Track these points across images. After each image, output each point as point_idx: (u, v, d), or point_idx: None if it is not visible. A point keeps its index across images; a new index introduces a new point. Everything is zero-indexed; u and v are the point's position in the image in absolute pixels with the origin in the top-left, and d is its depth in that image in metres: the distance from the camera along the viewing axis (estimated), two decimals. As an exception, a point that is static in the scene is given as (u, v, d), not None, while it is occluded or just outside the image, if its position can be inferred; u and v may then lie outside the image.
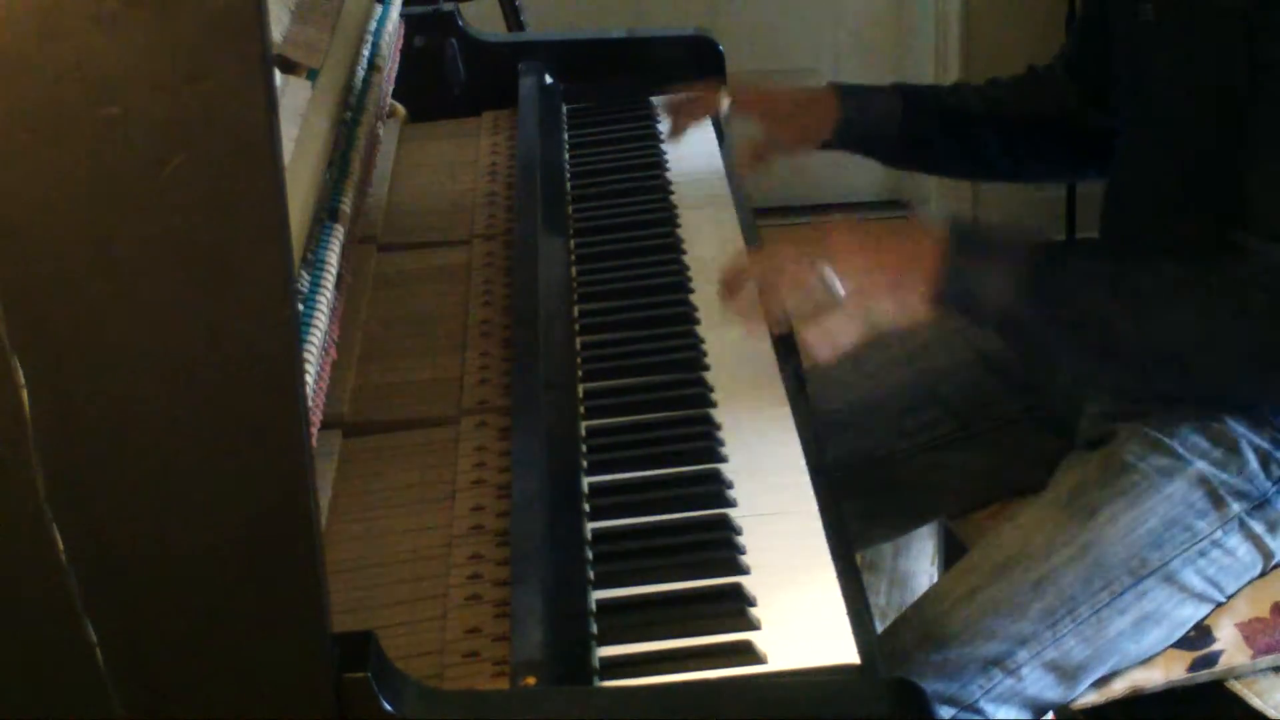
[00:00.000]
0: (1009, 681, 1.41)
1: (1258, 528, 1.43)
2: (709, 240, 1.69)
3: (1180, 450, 1.44)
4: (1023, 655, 1.40)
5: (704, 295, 1.58)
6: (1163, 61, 1.45)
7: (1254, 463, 1.43)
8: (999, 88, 1.78)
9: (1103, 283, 1.35)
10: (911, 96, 1.77)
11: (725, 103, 1.77)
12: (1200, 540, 1.42)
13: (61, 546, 0.87)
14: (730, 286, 1.40)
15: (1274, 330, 1.30)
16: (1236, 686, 1.46)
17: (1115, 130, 1.61)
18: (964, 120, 1.76)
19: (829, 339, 1.34)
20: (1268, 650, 1.45)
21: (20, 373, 0.83)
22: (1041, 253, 1.37)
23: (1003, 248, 1.36)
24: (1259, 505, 1.43)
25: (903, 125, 1.75)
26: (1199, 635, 1.45)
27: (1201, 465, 1.43)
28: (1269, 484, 1.43)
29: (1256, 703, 1.45)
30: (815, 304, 1.33)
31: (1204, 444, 1.44)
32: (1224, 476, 1.43)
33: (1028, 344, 1.44)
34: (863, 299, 1.33)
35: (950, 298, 1.33)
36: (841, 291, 1.32)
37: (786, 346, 1.49)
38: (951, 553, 1.82)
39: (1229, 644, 1.44)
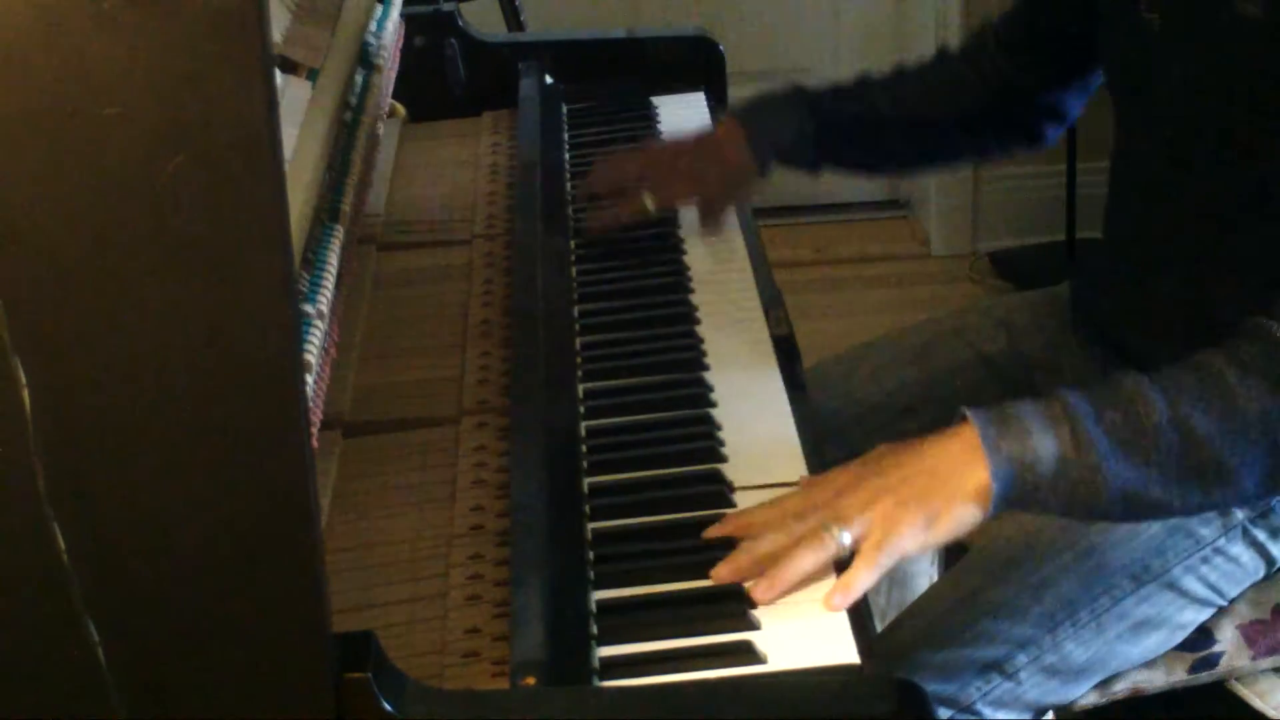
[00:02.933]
0: (1007, 684, 1.41)
1: (1261, 534, 1.43)
2: (709, 240, 1.69)
3: None
4: (1021, 659, 1.40)
5: (704, 295, 1.58)
6: (1170, 70, 1.43)
7: None
8: (909, 83, 1.71)
9: (1153, 397, 1.21)
10: (818, 103, 1.68)
11: (649, 203, 1.68)
12: (1203, 547, 1.42)
13: (62, 546, 0.87)
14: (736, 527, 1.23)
15: None
16: (1237, 688, 1.46)
17: (1052, 93, 1.61)
18: (875, 125, 1.69)
19: (848, 587, 1.17)
20: (1269, 652, 1.44)
21: (20, 373, 0.83)
22: (1073, 400, 1.22)
23: (1035, 412, 1.22)
24: (1263, 513, 1.42)
25: (817, 135, 1.67)
26: (1200, 637, 1.45)
27: None
28: None
29: (1257, 704, 1.44)
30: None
31: None
32: None
33: (1116, 500, 1.22)
34: (886, 545, 1.18)
35: (1005, 487, 1.19)
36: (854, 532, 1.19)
37: (786, 347, 1.49)
38: (951, 553, 1.82)
39: (1230, 645, 1.44)
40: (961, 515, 1.19)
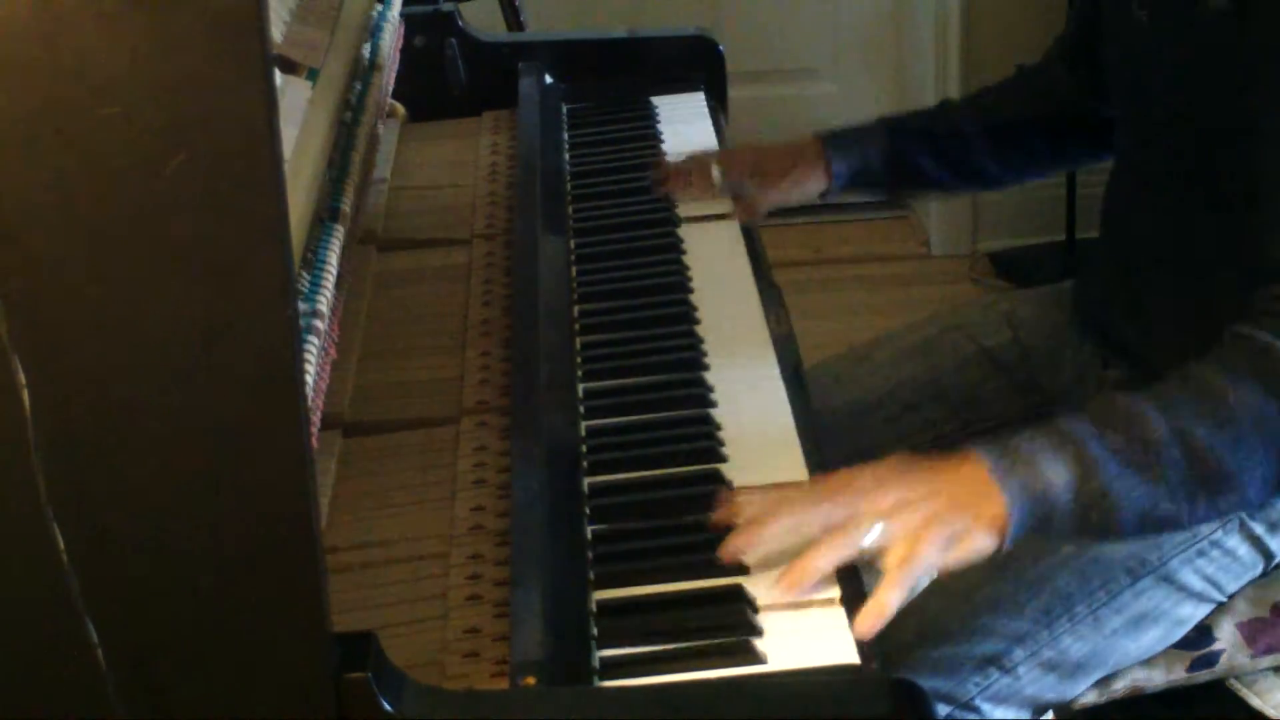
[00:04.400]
0: (1005, 680, 1.41)
1: (1258, 528, 1.43)
2: (709, 240, 1.69)
3: None
4: (1019, 654, 1.40)
5: (704, 295, 1.58)
6: (1156, 63, 1.45)
7: None
8: (988, 96, 1.77)
9: (1150, 413, 1.22)
10: (898, 129, 1.75)
11: (717, 173, 1.75)
12: (1199, 540, 1.42)
13: (62, 546, 0.87)
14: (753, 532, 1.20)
15: None
16: (1237, 686, 1.46)
17: (1113, 117, 1.61)
18: (956, 141, 1.74)
19: (878, 607, 1.15)
20: (1268, 650, 1.44)
21: (20, 373, 0.83)
22: (1072, 426, 1.23)
23: (1039, 443, 1.22)
24: (1260, 506, 1.43)
25: (894, 161, 1.73)
26: (1199, 635, 1.45)
27: None
28: None
29: (1256, 703, 1.44)
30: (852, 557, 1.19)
31: None
32: None
33: (1128, 519, 1.23)
34: (913, 562, 1.17)
35: (1022, 518, 1.19)
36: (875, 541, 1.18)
37: (786, 347, 1.49)
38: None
39: (1229, 644, 1.44)
40: (980, 543, 1.19)
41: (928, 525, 1.17)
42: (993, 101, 1.76)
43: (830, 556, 1.16)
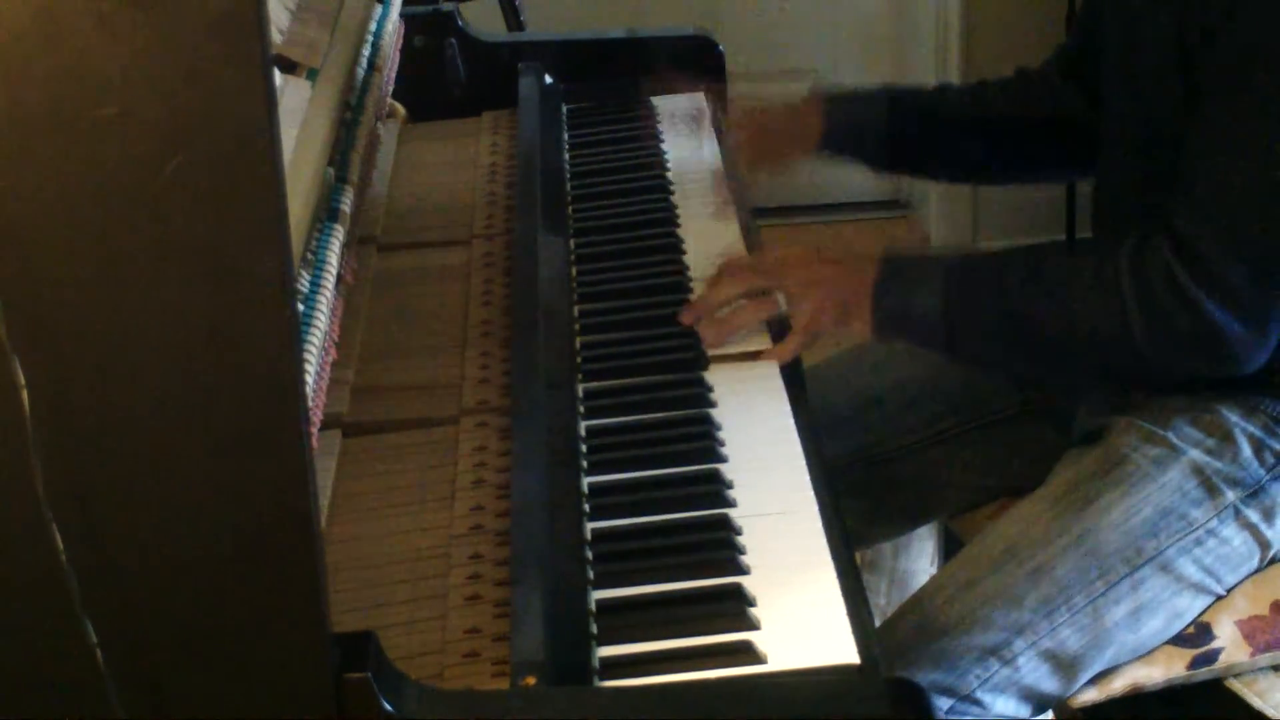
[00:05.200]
0: (1006, 671, 1.41)
1: (1253, 516, 1.44)
2: (709, 240, 1.68)
3: (1174, 440, 1.45)
4: (1019, 644, 1.41)
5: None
6: (1144, 35, 1.46)
7: (1247, 450, 1.45)
8: (987, 89, 1.78)
9: (1016, 276, 1.43)
10: (898, 100, 1.76)
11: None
12: (1195, 529, 1.43)
13: (61, 546, 0.87)
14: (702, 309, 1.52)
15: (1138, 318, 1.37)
16: (1236, 685, 1.46)
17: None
18: (951, 123, 1.76)
19: (785, 350, 1.48)
20: (1267, 648, 1.45)
21: (20, 373, 0.83)
22: (960, 264, 1.47)
23: (929, 270, 1.46)
24: (1253, 493, 1.44)
25: (889, 130, 1.75)
26: (1198, 633, 1.45)
27: (1195, 454, 1.45)
28: (1262, 471, 1.45)
29: (1256, 701, 1.45)
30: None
31: (1197, 434, 1.46)
32: (1218, 465, 1.44)
33: (965, 355, 1.54)
34: (811, 326, 1.48)
35: (885, 327, 1.47)
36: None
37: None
38: (951, 552, 1.82)
39: (1228, 642, 1.45)
40: (856, 331, 1.49)
41: (826, 306, 1.48)
42: (992, 96, 1.77)
43: (749, 316, 1.49)
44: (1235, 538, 1.44)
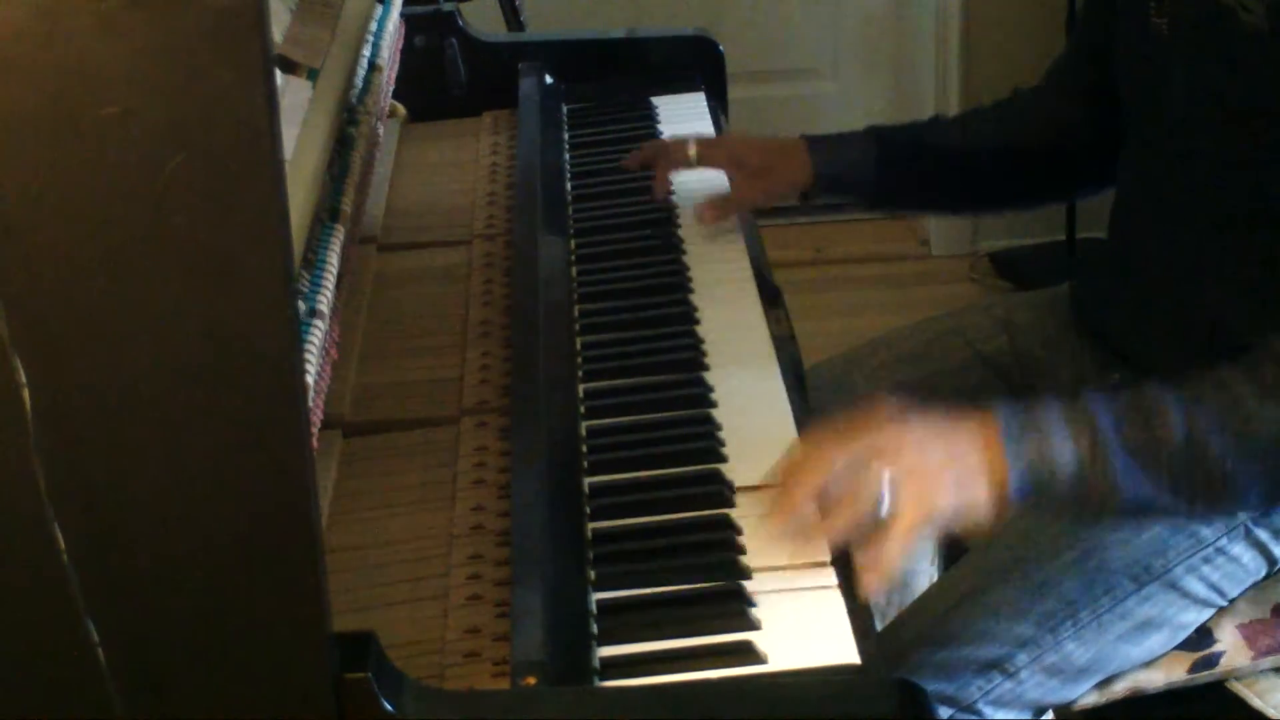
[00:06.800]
0: (1008, 684, 1.41)
1: (1263, 534, 1.43)
2: (709, 240, 1.69)
3: None
4: (1022, 658, 1.40)
5: (704, 295, 1.58)
6: (1176, 76, 1.43)
7: None
8: (980, 118, 1.74)
9: (1173, 414, 1.24)
10: (887, 141, 1.71)
11: (693, 151, 1.72)
12: (1205, 547, 1.42)
13: (62, 546, 0.87)
14: (784, 506, 1.21)
15: None
16: (1237, 688, 1.46)
17: (1110, 145, 1.58)
18: (945, 158, 1.71)
19: (883, 566, 1.18)
20: (1269, 652, 1.44)
21: (20, 373, 0.83)
22: (1096, 409, 1.25)
23: (1058, 416, 1.25)
24: (1265, 512, 1.42)
25: (879, 172, 1.69)
26: (1200, 636, 1.45)
27: None
28: None
29: (1257, 704, 1.44)
30: (867, 518, 1.20)
31: None
32: None
33: (1127, 506, 1.28)
34: (919, 511, 1.20)
35: (1022, 485, 1.23)
36: (888, 504, 1.19)
37: (786, 347, 1.49)
38: (951, 553, 1.82)
39: (1230, 645, 1.44)
40: (981, 512, 1.24)
41: (937, 493, 1.21)
42: (984, 125, 1.73)
43: (843, 527, 1.19)
44: (1244, 555, 1.43)
